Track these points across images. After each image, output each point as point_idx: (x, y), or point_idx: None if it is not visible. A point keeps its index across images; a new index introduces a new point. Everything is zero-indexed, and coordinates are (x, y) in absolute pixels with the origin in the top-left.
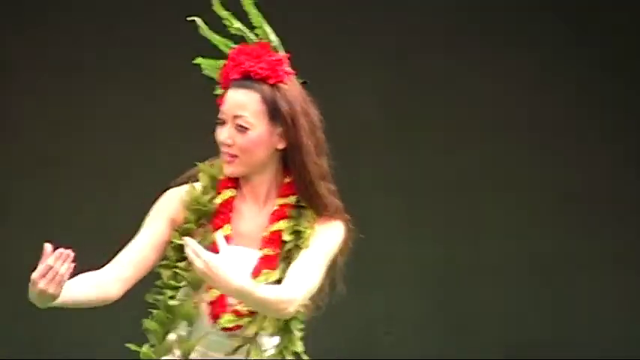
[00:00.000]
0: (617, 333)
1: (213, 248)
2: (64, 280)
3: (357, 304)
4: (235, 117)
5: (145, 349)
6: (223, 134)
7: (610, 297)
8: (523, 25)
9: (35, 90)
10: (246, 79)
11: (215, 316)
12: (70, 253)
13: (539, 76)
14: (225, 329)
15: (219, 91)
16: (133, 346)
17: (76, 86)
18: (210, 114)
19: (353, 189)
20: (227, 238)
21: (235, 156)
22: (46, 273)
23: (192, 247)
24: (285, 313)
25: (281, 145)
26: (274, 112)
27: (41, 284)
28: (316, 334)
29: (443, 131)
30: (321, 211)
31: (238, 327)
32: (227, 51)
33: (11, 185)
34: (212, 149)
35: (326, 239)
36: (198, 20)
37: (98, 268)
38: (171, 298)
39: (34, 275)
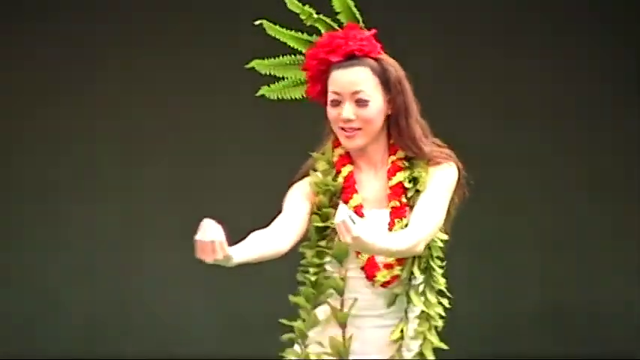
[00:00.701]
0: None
1: None
2: (222, 247)
3: None
4: (354, 93)
5: (297, 323)
6: (346, 111)
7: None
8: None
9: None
10: (351, 59)
11: (371, 276)
12: (211, 222)
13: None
14: (383, 285)
15: (272, 89)
16: (285, 321)
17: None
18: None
19: None
20: (359, 207)
21: (358, 129)
22: (204, 247)
23: (346, 217)
24: (417, 252)
25: (390, 111)
26: (385, 82)
27: (207, 258)
28: None
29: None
30: (429, 157)
31: (394, 279)
32: (301, 46)
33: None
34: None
35: (441, 179)
36: (265, 23)
37: None
38: (316, 274)
39: (197, 254)
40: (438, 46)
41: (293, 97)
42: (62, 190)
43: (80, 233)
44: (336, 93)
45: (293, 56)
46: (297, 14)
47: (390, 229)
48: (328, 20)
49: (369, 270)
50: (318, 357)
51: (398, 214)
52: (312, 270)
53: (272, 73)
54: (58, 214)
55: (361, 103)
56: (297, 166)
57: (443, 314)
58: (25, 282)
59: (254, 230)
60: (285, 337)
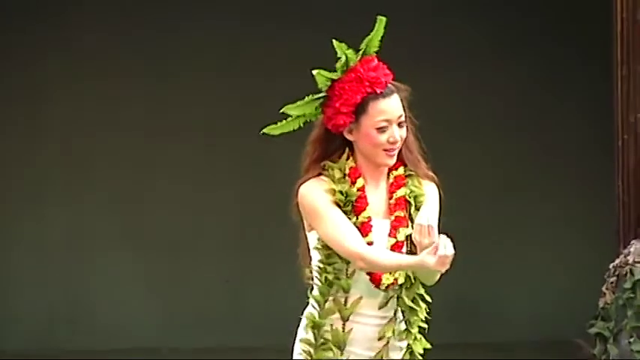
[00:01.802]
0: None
1: (362, 228)
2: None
3: None
4: (398, 117)
5: (314, 316)
6: (397, 134)
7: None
8: None
9: None
10: (387, 88)
11: (377, 281)
12: (448, 239)
13: None
14: (387, 287)
15: (279, 127)
16: (307, 319)
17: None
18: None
19: None
20: (369, 219)
21: (397, 148)
22: (446, 260)
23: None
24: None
25: None
26: (403, 104)
27: (445, 268)
28: None
29: None
30: (422, 174)
31: (395, 281)
32: (324, 84)
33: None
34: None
35: (434, 198)
36: (316, 72)
37: None
38: (329, 273)
39: (439, 267)
40: None
41: (289, 131)
42: (15, 200)
43: (29, 241)
44: (386, 120)
45: (314, 94)
46: (339, 58)
47: (393, 236)
48: (353, 57)
49: (376, 276)
50: (327, 343)
51: (401, 223)
52: (329, 269)
53: (293, 114)
54: (9, 222)
55: (402, 125)
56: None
57: (428, 317)
58: None
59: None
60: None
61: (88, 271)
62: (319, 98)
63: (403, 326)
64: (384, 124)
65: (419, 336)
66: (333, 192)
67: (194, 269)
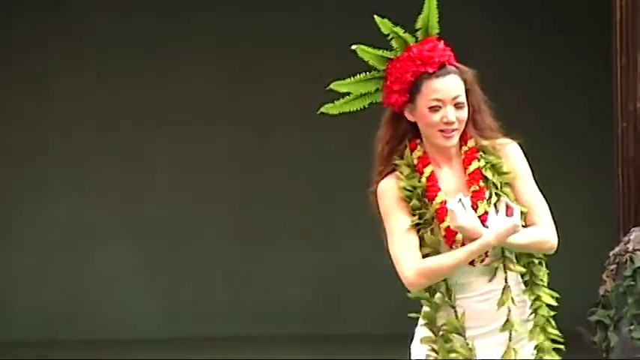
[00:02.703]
0: None
1: (438, 213)
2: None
3: None
4: (454, 98)
5: (424, 311)
6: (451, 115)
7: None
8: None
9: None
10: (443, 68)
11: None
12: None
13: None
14: (482, 261)
15: (335, 106)
16: (413, 315)
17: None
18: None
19: None
20: (444, 202)
21: (456, 130)
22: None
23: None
24: (553, 248)
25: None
26: (467, 88)
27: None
28: None
29: None
30: (497, 139)
31: (487, 254)
32: (381, 64)
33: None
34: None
35: (520, 160)
36: (358, 47)
37: None
38: None
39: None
40: None
41: (352, 110)
42: (15, 196)
43: (32, 234)
44: (438, 100)
45: (368, 73)
46: (386, 35)
47: (475, 210)
48: (411, 38)
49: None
50: (446, 333)
51: (479, 196)
52: None
53: (348, 92)
54: (12, 217)
55: (459, 106)
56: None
57: (548, 271)
58: None
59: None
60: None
61: (89, 263)
62: (377, 77)
63: (518, 290)
64: (436, 103)
65: (541, 294)
66: (404, 190)
67: (194, 260)
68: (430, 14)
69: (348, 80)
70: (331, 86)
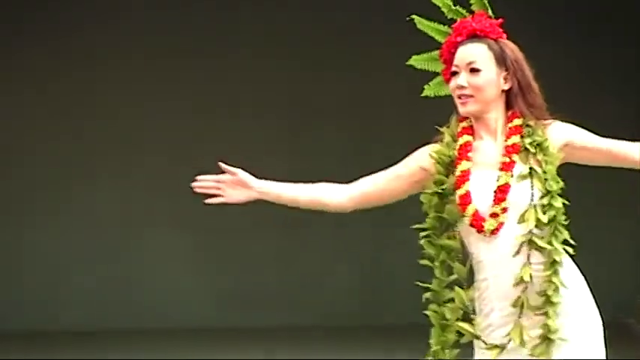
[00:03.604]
0: None
1: (458, 180)
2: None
3: None
4: (468, 64)
5: (432, 285)
6: (461, 80)
7: None
8: None
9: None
10: (473, 37)
11: (480, 228)
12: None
13: None
14: (492, 232)
15: (431, 88)
16: (420, 283)
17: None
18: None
19: None
20: (467, 171)
21: (471, 96)
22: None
23: None
24: None
25: (507, 86)
26: (500, 58)
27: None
28: None
29: None
30: (546, 119)
31: (500, 225)
32: (441, 37)
33: None
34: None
35: (578, 129)
36: (416, 18)
37: None
38: (437, 237)
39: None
40: None
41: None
42: (63, 184)
43: (79, 219)
44: (455, 65)
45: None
46: (439, 7)
47: (497, 180)
48: (464, 11)
49: (476, 223)
50: (454, 311)
51: (505, 167)
52: (442, 255)
53: (427, 69)
54: (60, 199)
55: (473, 71)
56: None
57: (570, 253)
58: (38, 263)
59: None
60: (425, 295)
61: (137, 249)
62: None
63: (540, 266)
64: (455, 68)
65: (555, 279)
66: (434, 154)
67: (243, 247)
68: None
69: (424, 55)
70: (409, 62)
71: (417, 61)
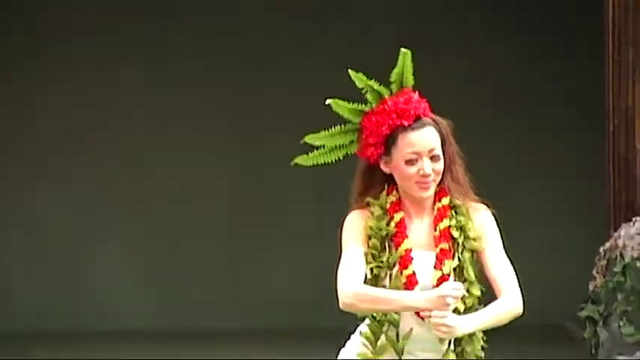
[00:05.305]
0: None
1: (402, 260)
2: None
3: None
4: (430, 151)
5: (368, 354)
6: (427, 168)
7: None
8: None
9: None
10: (419, 121)
11: (422, 317)
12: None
13: None
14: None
15: (310, 158)
16: (358, 357)
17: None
18: None
19: None
20: (409, 250)
21: (432, 181)
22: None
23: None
24: (519, 313)
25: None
26: (443, 139)
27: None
28: None
29: None
30: (471, 202)
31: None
32: (356, 117)
33: None
34: None
35: (491, 227)
36: (332, 102)
37: None
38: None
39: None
40: None
41: (326, 162)
42: (10, 188)
43: (27, 224)
44: (415, 153)
45: (343, 126)
46: (361, 88)
47: (439, 269)
48: (384, 90)
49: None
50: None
51: (446, 255)
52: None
53: (323, 145)
54: (7, 204)
55: (435, 158)
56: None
57: (483, 345)
58: None
59: None
60: None
61: (86, 256)
62: (352, 130)
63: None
64: (413, 156)
65: (478, 353)
66: (370, 228)
67: (190, 255)
68: (405, 68)
69: (323, 133)
70: (306, 139)
71: (314, 139)
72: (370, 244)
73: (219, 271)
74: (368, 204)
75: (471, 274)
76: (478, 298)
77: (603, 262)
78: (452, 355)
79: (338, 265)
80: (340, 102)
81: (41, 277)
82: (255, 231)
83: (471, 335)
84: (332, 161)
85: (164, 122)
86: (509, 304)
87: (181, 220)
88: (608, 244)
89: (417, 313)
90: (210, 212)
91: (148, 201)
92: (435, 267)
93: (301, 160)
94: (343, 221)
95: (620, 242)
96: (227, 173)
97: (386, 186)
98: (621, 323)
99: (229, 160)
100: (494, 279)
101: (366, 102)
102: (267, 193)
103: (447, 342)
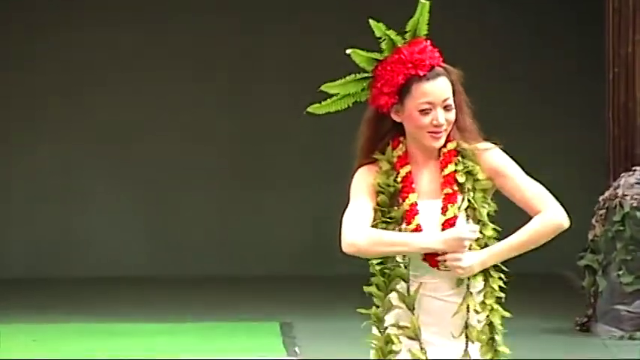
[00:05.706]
0: None
1: (407, 214)
2: None
3: None
4: (444, 101)
5: (373, 310)
6: (441, 118)
7: None
8: None
9: None
10: (433, 70)
11: (434, 263)
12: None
13: None
14: (446, 266)
15: (322, 106)
16: (362, 310)
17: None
18: None
19: None
20: (415, 204)
21: (444, 130)
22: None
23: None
24: (563, 224)
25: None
26: (453, 88)
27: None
28: None
29: None
30: (479, 143)
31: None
32: (370, 65)
33: None
34: None
35: (510, 163)
36: (352, 51)
37: None
38: (382, 263)
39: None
40: None
41: (337, 110)
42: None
43: (21, 174)
44: (429, 102)
45: (357, 74)
46: (378, 38)
47: (443, 214)
48: (398, 39)
49: (430, 258)
50: (396, 337)
51: (450, 199)
52: (378, 261)
53: (336, 92)
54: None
55: (448, 108)
56: None
57: (503, 286)
58: None
59: None
60: (365, 323)
61: (79, 201)
62: (365, 78)
63: (480, 298)
64: (426, 106)
65: (495, 306)
66: (378, 185)
67: (183, 200)
68: (421, 18)
69: (339, 82)
70: (322, 88)
71: (330, 87)
72: (379, 200)
73: (218, 215)
74: (375, 160)
75: (483, 214)
76: (493, 238)
77: (602, 211)
78: (471, 302)
79: (343, 214)
80: (359, 51)
81: (34, 224)
82: (253, 175)
83: (487, 278)
84: (342, 108)
85: (161, 68)
86: (547, 217)
87: (179, 165)
88: (607, 194)
89: (430, 261)
90: (209, 157)
91: (147, 147)
92: (442, 213)
93: (313, 108)
94: (352, 176)
95: (619, 192)
96: (226, 119)
97: (390, 140)
98: (620, 272)
99: (228, 106)
100: (527, 201)
101: (380, 51)
102: (267, 140)
103: (462, 294)
